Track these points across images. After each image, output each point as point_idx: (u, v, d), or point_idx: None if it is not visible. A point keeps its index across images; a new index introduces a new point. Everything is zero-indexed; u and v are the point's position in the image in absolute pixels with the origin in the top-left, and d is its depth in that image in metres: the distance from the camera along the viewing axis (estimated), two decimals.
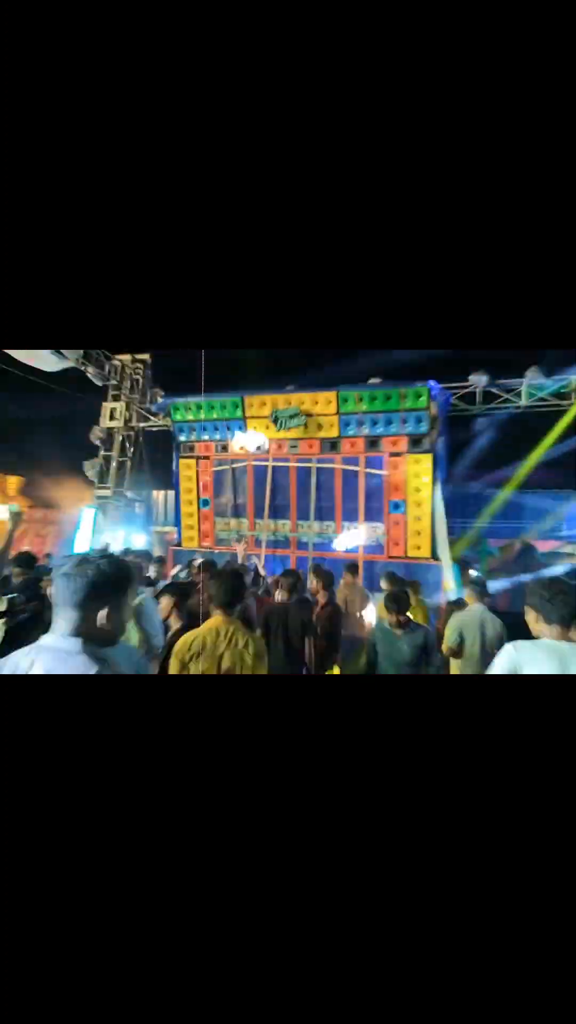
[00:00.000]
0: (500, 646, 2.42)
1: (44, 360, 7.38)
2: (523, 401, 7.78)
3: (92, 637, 1.10)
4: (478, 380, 7.75)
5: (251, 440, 6.76)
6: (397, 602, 3.13)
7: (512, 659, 1.71)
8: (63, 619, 1.10)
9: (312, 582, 4.13)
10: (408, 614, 3.20)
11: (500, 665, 1.73)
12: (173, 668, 1.84)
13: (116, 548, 6.53)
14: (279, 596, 3.56)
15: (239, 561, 5.24)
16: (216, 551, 7.32)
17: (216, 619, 1.93)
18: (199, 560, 4.51)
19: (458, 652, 3.38)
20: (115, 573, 1.14)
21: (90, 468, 9.65)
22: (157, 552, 7.24)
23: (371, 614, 4.68)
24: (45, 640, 1.10)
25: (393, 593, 3.24)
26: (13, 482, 10.06)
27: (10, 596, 2.76)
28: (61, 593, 1.10)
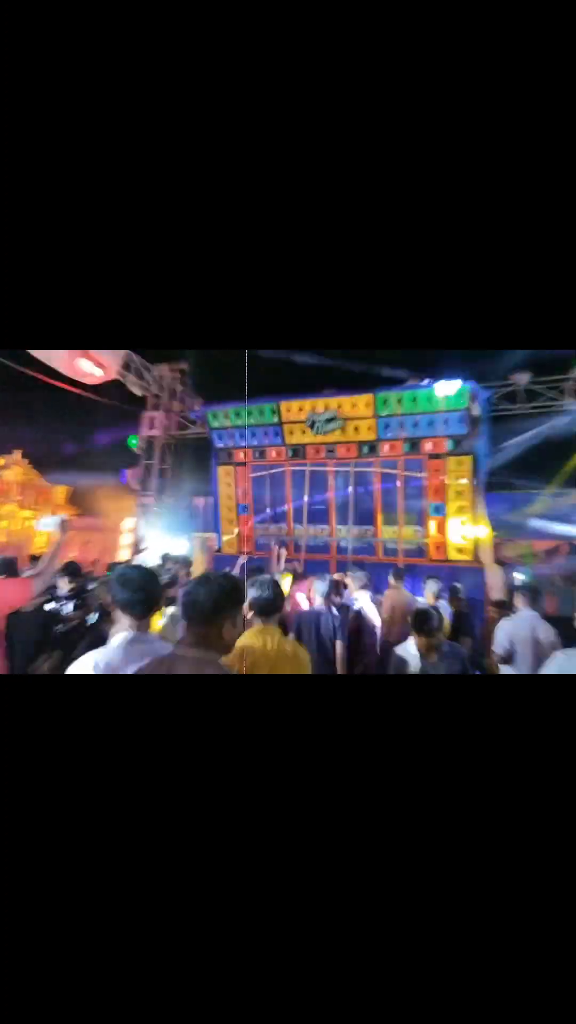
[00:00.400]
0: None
1: (84, 371, 7.67)
2: (567, 399, 7.52)
3: (217, 647, 1.23)
4: (519, 378, 7.54)
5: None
6: (426, 621, 2.48)
7: (562, 666, 1.67)
8: (192, 632, 1.24)
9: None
10: (441, 635, 2.57)
11: (551, 672, 1.69)
12: (233, 657, 1.88)
13: (156, 554, 6.70)
14: (315, 600, 3.58)
15: (275, 565, 5.29)
16: (256, 556, 7.40)
17: (258, 627, 1.96)
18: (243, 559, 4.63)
19: (508, 659, 3.30)
20: (233, 589, 1.27)
21: (132, 477, 9.94)
22: (197, 557, 7.39)
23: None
24: (176, 650, 1.25)
25: (421, 612, 2.56)
26: (61, 492, 10.47)
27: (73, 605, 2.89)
28: (187, 610, 1.25)
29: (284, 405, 7.25)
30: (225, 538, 8.06)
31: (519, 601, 3.39)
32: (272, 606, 1.98)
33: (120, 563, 2.95)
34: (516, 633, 3.25)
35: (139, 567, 1.54)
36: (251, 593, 2.02)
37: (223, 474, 8.01)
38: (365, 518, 7.06)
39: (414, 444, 6.66)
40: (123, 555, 8.45)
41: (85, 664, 1.36)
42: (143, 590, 1.47)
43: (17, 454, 9.80)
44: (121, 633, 1.47)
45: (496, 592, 5.92)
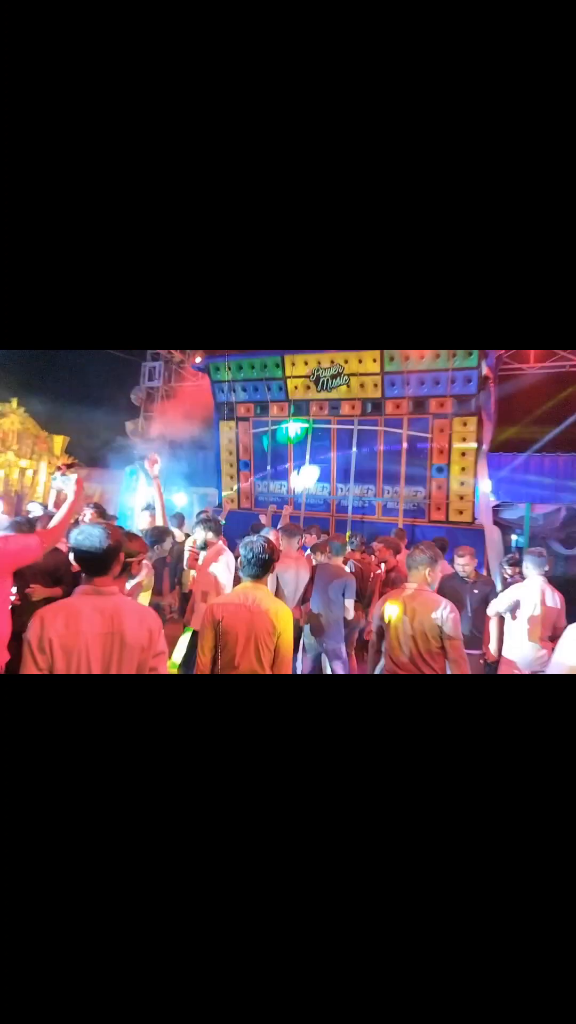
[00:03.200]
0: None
1: None
2: None
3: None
4: None
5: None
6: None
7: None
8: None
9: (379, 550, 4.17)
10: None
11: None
12: (204, 629, 1.93)
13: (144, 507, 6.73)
14: (321, 558, 3.65)
15: (263, 523, 5.38)
16: (256, 512, 7.42)
17: (244, 584, 2.00)
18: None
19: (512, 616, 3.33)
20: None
21: (132, 428, 9.80)
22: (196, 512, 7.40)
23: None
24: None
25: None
26: (59, 441, 10.33)
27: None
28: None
29: (288, 359, 7.06)
30: (225, 494, 8.05)
31: (528, 570, 3.40)
32: (258, 565, 2.00)
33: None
34: (525, 597, 3.28)
35: (98, 527, 1.46)
36: (241, 552, 2.05)
37: (225, 429, 7.91)
38: (367, 477, 7.03)
39: (419, 404, 6.55)
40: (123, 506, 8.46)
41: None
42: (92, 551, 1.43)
43: (14, 402, 9.59)
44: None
45: (495, 554, 5.99)
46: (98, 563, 1.43)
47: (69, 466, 2.21)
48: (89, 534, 1.42)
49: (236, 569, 3.05)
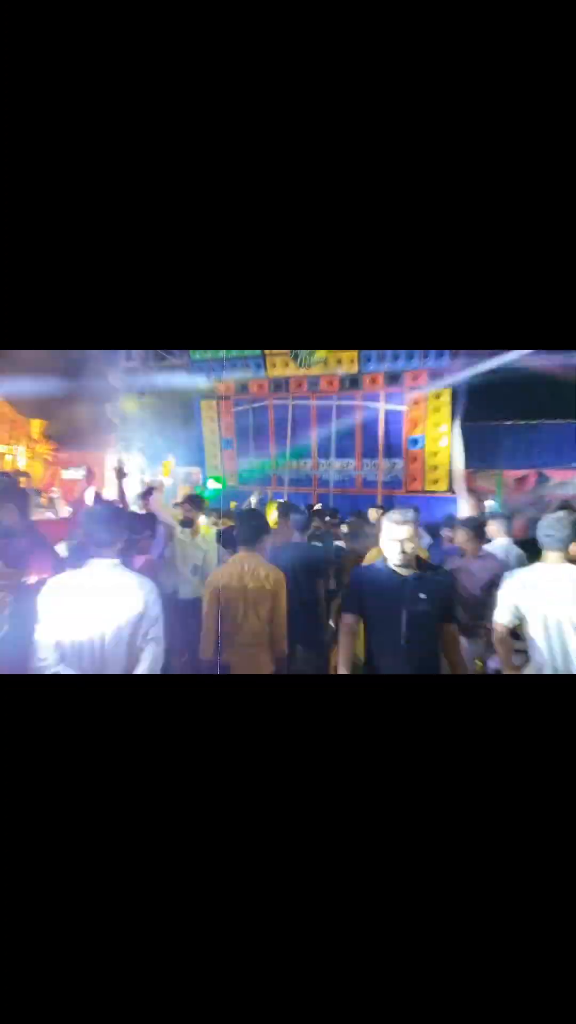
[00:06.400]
0: None
1: None
2: None
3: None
4: None
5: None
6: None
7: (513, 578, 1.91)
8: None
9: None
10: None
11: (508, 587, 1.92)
12: (207, 597, 2.16)
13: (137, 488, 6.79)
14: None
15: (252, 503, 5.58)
16: (241, 490, 7.61)
17: (240, 555, 2.22)
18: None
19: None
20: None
21: (111, 410, 9.76)
22: (183, 490, 7.53)
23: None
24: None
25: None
26: (37, 425, 10.24)
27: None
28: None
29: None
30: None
31: (493, 529, 3.65)
32: (250, 534, 2.21)
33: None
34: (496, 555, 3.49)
35: (109, 505, 1.61)
36: (236, 523, 2.26)
37: (205, 408, 8.00)
38: (347, 452, 7.27)
39: (395, 378, 6.77)
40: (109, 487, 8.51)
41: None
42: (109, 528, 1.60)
43: None
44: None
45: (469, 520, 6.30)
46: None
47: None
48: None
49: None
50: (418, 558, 1.86)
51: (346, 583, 3.07)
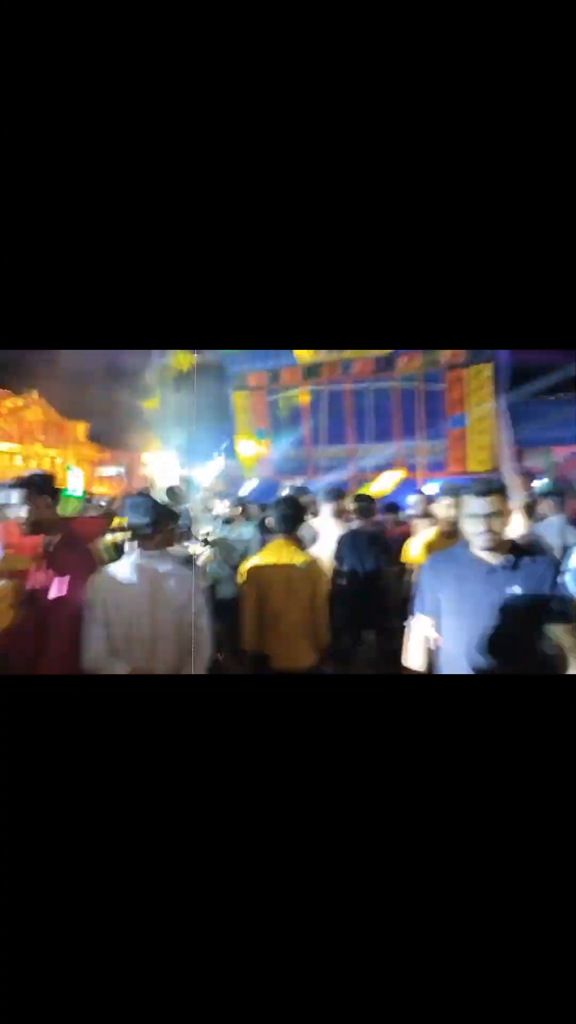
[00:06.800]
0: None
1: None
2: None
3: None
4: None
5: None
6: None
7: None
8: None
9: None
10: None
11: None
12: (245, 586, 2.12)
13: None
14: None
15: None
16: (277, 480, 7.58)
17: (278, 541, 2.16)
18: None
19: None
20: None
21: (149, 408, 9.96)
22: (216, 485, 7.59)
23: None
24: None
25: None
26: (80, 428, 10.59)
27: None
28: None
29: None
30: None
31: (545, 508, 3.45)
32: (288, 522, 2.15)
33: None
34: (546, 535, 3.34)
35: (147, 496, 1.68)
36: (272, 510, 2.21)
37: (238, 399, 8.00)
38: (384, 436, 7.08)
39: (431, 355, 6.51)
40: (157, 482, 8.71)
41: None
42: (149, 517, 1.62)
43: (34, 393, 9.82)
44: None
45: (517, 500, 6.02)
46: None
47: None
48: None
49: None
50: (513, 541, 1.43)
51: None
